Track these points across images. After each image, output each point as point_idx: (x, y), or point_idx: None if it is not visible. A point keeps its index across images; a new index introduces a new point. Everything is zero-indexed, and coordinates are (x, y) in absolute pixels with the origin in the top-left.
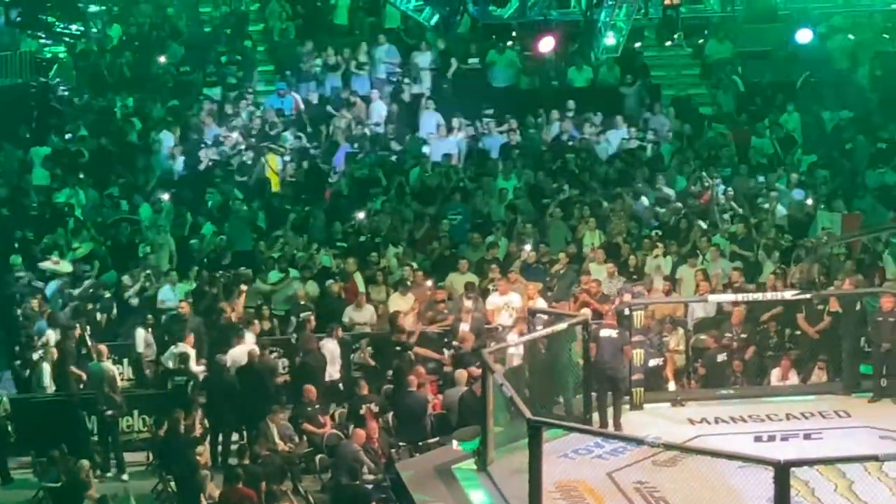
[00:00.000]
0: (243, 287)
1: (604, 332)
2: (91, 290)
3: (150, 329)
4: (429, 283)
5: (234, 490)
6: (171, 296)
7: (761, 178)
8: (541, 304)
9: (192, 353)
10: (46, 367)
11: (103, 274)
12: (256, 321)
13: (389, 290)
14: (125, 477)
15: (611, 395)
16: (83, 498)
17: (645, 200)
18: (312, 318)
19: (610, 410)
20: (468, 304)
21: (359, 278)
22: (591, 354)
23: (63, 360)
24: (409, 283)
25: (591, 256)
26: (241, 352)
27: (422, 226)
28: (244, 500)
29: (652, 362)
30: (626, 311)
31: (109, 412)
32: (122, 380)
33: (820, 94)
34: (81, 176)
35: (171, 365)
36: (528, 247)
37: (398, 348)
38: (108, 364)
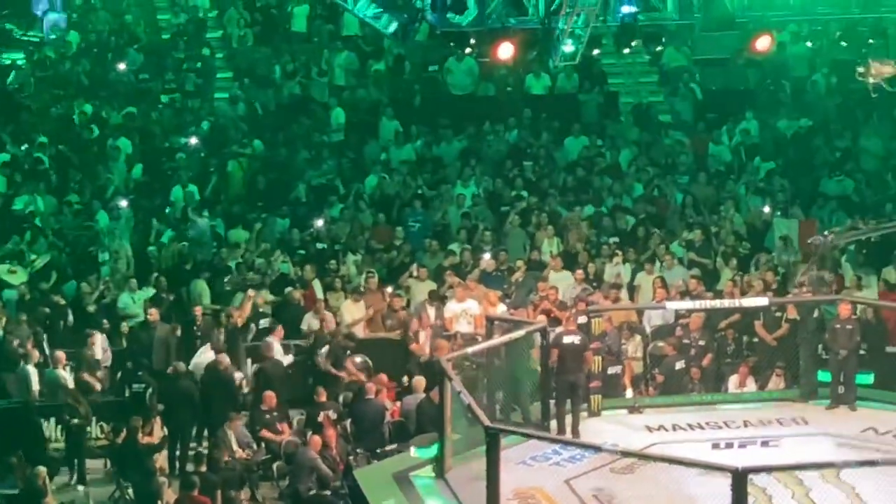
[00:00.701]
0: (251, 293)
1: (567, 339)
2: None
3: (106, 335)
4: (389, 289)
5: (189, 497)
6: (129, 303)
7: (727, 187)
8: (502, 310)
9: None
10: (33, 372)
11: (63, 284)
12: (280, 326)
13: (348, 297)
14: (80, 488)
15: (570, 401)
16: None
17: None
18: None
19: (568, 418)
20: (431, 311)
21: (317, 285)
22: (552, 361)
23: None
24: (362, 289)
25: (552, 265)
26: (207, 359)
27: (379, 233)
28: None
29: (611, 370)
30: (584, 319)
31: (74, 420)
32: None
33: (778, 102)
34: (41, 183)
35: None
36: (487, 255)
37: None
38: (62, 371)
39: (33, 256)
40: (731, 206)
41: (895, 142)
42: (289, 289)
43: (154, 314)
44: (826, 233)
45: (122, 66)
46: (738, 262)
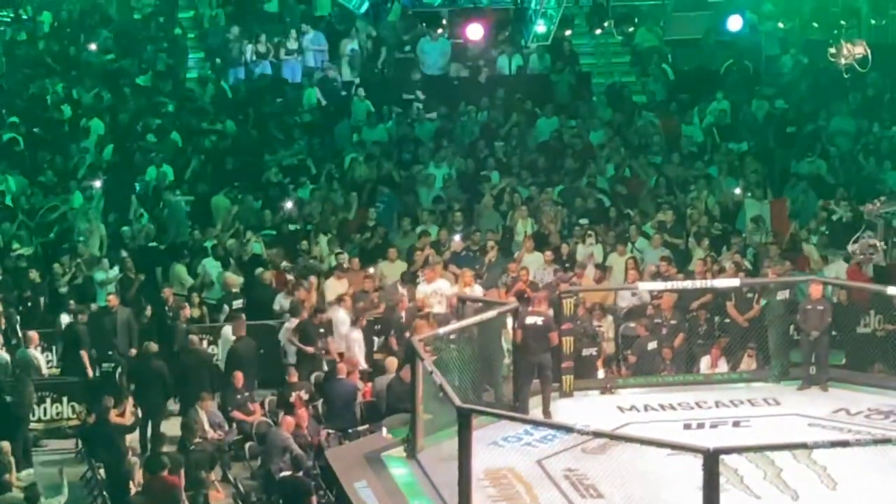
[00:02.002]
0: (312, 279)
1: (529, 319)
2: None
3: (73, 315)
4: (371, 269)
5: (157, 478)
6: (104, 279)
7: (699, 167)
8: (477, 290)
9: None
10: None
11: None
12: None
13: (321, 278)
14: (31, 470)
15: (539, 382)
16: (6, 483)
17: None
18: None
19: (535, 399)
20: (404, 292)
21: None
22: (516, 341)
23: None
24: (345, 266)
25: (526, 245)
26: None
27: (352, 214)
28: (168, 488)
29: (585, 351)
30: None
31: (8, 399)
32: (49, 367)
33: (749, 82)
34: (13, 163)
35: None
36: (457, 237)
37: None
38: (33, 351)
39: (17, 246)
40: (704, 186)
41: (867, 122)
42: (259, 269)
43: (113, 300)
44: (875, 200)
45: (93, 47)
46: (709, 242)
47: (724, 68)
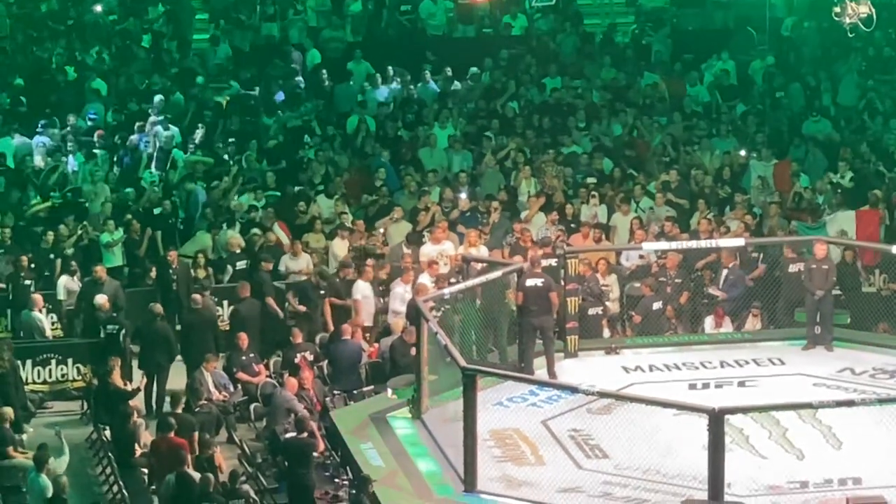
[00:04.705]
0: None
1: (529, 282)
2: None
3: (75, 276)
4: (381, 230)
5: (165, 439)
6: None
7: (704, 127)
8: (483, 251)
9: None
10: None
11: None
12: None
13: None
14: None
15: (542, 343)
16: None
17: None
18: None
19: (540, 360)
20: (409, 252)
21: (278, 230)
22: (518, 303)
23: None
24: (347, 226)
25: (534, 204)
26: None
27: (356, 174)
28: (176, 449)
29: (591, 311)
30: (553, 261)
31: None
32: (54, 329)
33: (754, 43)
34: (16, 124)
35: None
36: (463, 195)
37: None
38: (38, 314)
39: (36, 200)
40: (708, 146)
41: (871, 82)
42: (254, 230)
43: (100, 271)
44: None
45: (98, 8)
46: (714, 202)
47: (736, 28)
